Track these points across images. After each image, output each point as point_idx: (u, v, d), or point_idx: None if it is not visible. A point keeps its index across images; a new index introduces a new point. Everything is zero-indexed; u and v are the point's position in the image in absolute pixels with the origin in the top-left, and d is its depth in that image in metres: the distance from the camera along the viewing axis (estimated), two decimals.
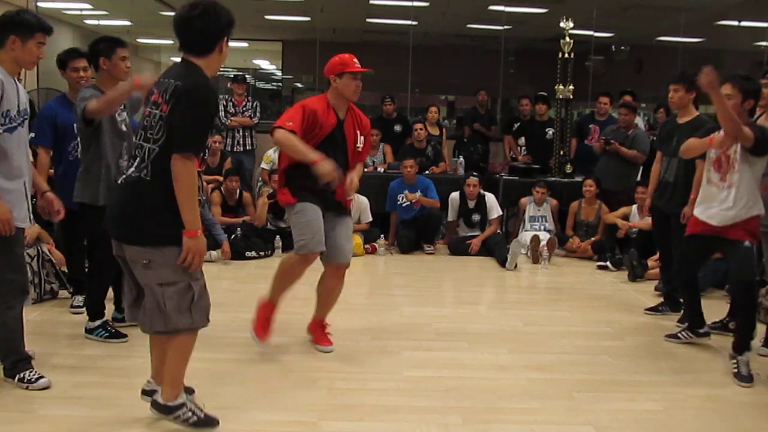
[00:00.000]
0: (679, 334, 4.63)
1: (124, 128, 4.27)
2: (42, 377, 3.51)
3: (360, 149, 4.34)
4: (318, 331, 4.38)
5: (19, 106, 3.45)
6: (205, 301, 2.92)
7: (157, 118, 2.77)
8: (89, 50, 4.29)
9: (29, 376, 3.50)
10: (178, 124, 2.69)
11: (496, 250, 7.26)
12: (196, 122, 2.72)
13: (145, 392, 3.14)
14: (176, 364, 2.95)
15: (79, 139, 4.41)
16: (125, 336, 4.23)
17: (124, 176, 2.87)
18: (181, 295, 2.82)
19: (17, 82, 3.50)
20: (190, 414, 3.00)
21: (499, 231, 7.69)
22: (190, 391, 3.17)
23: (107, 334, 4.26)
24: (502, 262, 6.97)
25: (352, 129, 4.29)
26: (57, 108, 4.70)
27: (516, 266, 6.89)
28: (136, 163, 2.81)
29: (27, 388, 3.47)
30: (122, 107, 4.28)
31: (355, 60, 4.32)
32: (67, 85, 4.76)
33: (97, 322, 4.29)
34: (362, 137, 4.33)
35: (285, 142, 3.96)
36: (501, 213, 7.76)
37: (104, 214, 4.09)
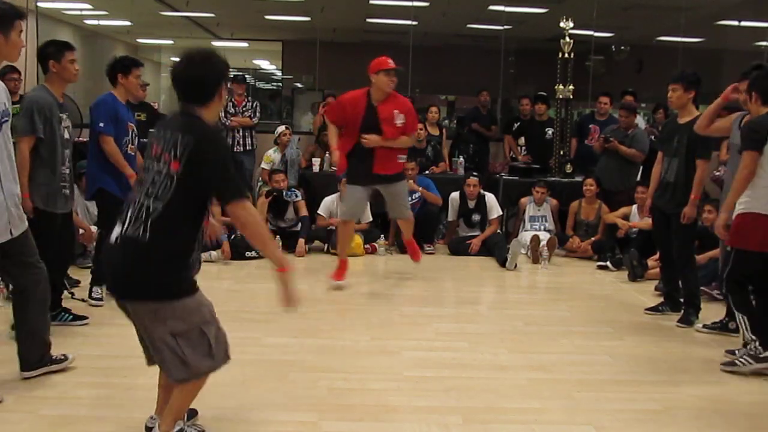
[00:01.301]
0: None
1: (66, 136, 4.38)
2: None
3: (401, 124, 5.73)
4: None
5: (5, 104, 3.44)
6: (224, 340, 2.84)
7: (162, 175, 2.65)
8: (38, 54, 4.36)
9: None
10: (219, 177, 2.64)
11: (496, 250, 7.26)
12: (228, 168, 2.68)
13: (148, 429, 3.01)
14: (184, 399, 2.88)
15: (130, 135, 4.94)
16: (86, 318, 4.62)
17: (120, 233, 2.70)
18: (197, 341, 2.74)
19: None
20: None
21: (499, 231, 7.70)
22: (193, 413, 3.13)
23: (70, 317, 4.52)
24: (502, 262, 6.98)
25: (389, 110, 5.69)
26: (115, 103, 4.91)
27: (516, 266, 6.89)
28: (132, 221, 2.67)
29: None
30: (66, 115, 4.39)
31: (390, 60, 5.70)
32: (121, 89, 4.99)
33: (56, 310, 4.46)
34: (402, 114, 5.73)
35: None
36: (501, 213, 7.76)
37: (48, 216, 4.19)
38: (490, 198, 7.64)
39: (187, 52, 2.79)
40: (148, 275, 2.64)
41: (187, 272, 2.71)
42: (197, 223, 2.72)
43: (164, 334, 2.69)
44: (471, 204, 7.62)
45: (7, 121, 3.46)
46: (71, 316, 4.58)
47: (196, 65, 2.75)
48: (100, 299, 4.96)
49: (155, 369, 3.67)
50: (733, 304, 4.17)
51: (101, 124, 4.84)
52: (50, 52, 4.28)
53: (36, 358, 3.64)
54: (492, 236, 7.49)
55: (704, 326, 4.89)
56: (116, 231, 2.71)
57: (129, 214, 2.68)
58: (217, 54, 2.81)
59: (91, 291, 5.05)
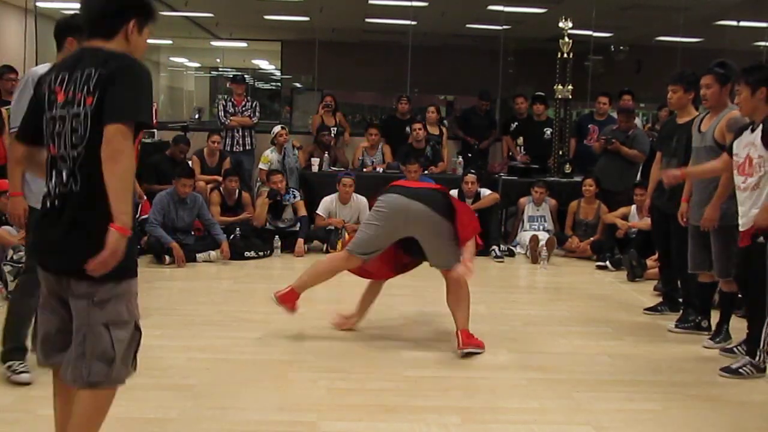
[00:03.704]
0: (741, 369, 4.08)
1: None
2: (26, 372, 3.52)
3: None
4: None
5: None
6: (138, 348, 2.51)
7: (81, 116, 2.32)
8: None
9: (16, 366, 3.54)
10: (116, 95, 2.26)
11: (492, 224, 7.43)
12: (137, 91, 2.30)
13: None
14: (92, 425, 2.42)
15: None
16: None
17: (51, 197, 2.38)
18: (131, 337, 2.42)
19: None
20: None
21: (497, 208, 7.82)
22: None
23: None
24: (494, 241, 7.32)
25: None
26: None
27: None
28: (62, 176, 2.34)
29: (8, 377, 3.51)
30: None
31: None
32: None
33: None
34: None
35: None
36: (497, 195, 7.75)
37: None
38: (484, 191, 7.65)
39: None
40: (95, 242, 2.24)
41: (133, 246, 2.42)
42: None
43: (99, 322, 2.34)
44: (468, 202, 7.62)
45: None
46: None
47: None
48: None
49: (154, 368, 3.68)
50: None
51: None
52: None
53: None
54: (490, 213, 7.53)
55: (677, 325, 4.90)
56: (49, 193, 2.38)
57: (61, 173, 2.35)
58: None
59: None
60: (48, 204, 2.39)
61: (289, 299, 4.51)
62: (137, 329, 2.45)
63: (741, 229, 4.02)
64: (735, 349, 4.35)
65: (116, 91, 2.27)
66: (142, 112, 2.31)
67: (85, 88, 2.32)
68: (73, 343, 2.37)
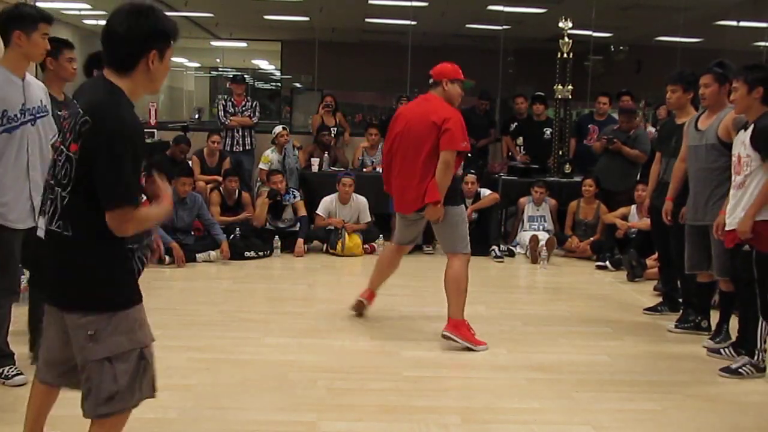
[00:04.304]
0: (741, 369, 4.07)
1: None
2: (19, 374, 3.55)
3: None
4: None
5: (24, 105, 3.45)
6: (153, 371, 2.45)
7: (63, 158, 2.26)
8: None
9: (8, 372, 3.56)
10: (104, 174, 2.17)
11: (491, 224, 7.49)
12: (120, 163, 2.17)
13: None
14: None
15: None
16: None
17: (43, 227, 2.34)
18: (135, 368, 2.36)
19: (27, 80, 3.51)
20: None
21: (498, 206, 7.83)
22: None
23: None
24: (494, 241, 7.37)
25: None
26: None
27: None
28: (50, 211, 2.30)
29: (3, 383, 3.52)
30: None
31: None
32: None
33: None
34: None
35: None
36: (497, 195, 7.75)
37: None
38: (484, 191, 7.66)
39: (123, 4, 2.31)
40: (86, 279, 2.27)
41: (128, 276, 2.35)
42: None
43: (100, 356, 2.30)
44: (468, 203, 7.62)
45: (43, 116, 3.53)
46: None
47: (119, 20, 2.24)
48: None
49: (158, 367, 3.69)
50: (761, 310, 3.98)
51: None
52: (48, 50, 4.23)
53: None
54: (490, 212, 7.54)
55: (676, 326, 4.90)
56: (41, 223, 2.35)
57: (48, 205, 2.32)
58: (152, 9, 2.30)
59: None
60: (45, 234, 2.34)
61: (370, 297, 5.05)
62: (142, 357, 2.39)
63: (726, 228, 4.05)
64: (722, 350, 4.36)
65: (105, 165, 2.18)
66: (134, 186, 2.25)
67: (73, 131, 2.25)
68: (81, 379, 2.39)
